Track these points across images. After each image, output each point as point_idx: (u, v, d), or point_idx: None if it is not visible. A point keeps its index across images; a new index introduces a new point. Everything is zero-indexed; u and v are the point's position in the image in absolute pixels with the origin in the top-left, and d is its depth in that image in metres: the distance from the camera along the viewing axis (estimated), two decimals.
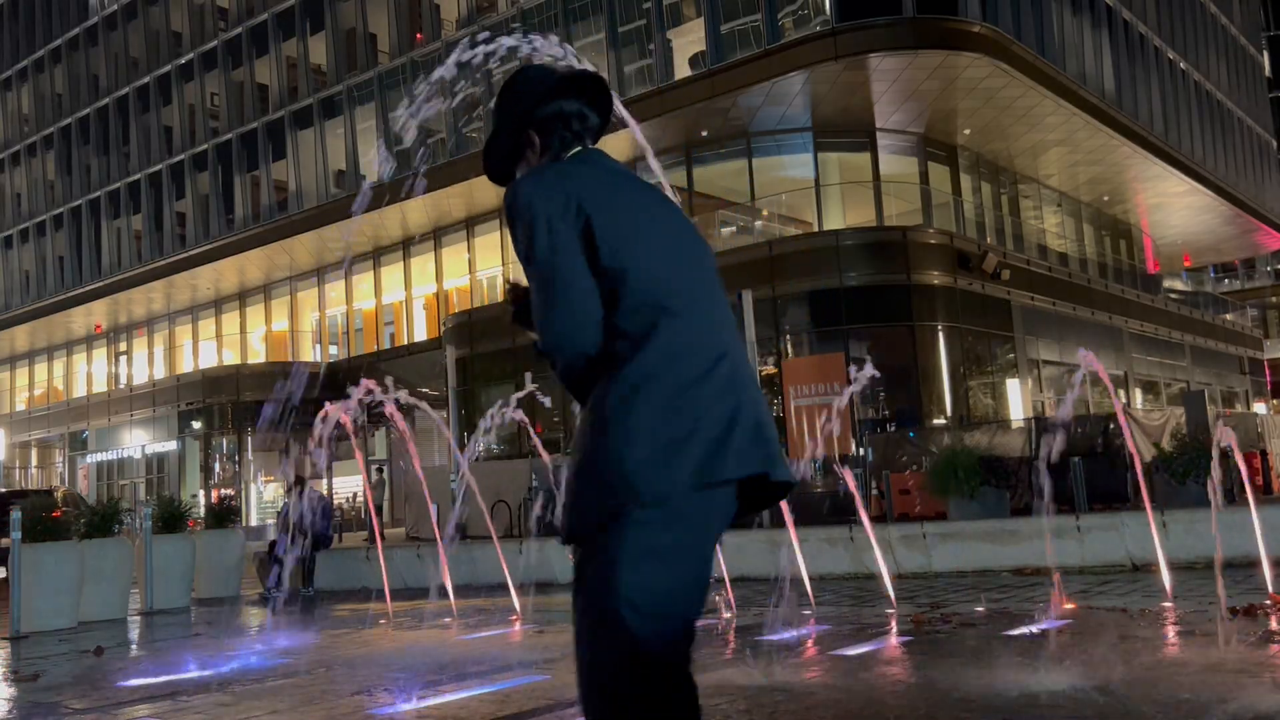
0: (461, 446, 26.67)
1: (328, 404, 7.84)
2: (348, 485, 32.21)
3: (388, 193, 23.77)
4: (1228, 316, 43.02)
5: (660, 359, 2.08)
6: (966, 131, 27.17)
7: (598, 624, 2.03)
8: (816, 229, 25.72)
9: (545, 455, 9.86)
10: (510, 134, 2.34)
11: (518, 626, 7.61)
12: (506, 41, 3.88)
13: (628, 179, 2.27)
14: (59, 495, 18.79)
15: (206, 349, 41.46)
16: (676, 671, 2.05)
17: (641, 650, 2.01)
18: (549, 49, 3.99)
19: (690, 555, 2.08)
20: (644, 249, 2.15)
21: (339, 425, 7.96)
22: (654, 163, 6.89)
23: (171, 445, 38.58)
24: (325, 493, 23.80)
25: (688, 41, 26.63)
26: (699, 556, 2.11)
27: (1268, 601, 6.18)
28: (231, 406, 35.93)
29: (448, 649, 6.74)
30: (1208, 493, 6.42)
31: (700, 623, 2.16)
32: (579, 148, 2.31)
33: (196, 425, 37.33)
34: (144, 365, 43.45)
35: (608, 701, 2.03)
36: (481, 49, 3.78)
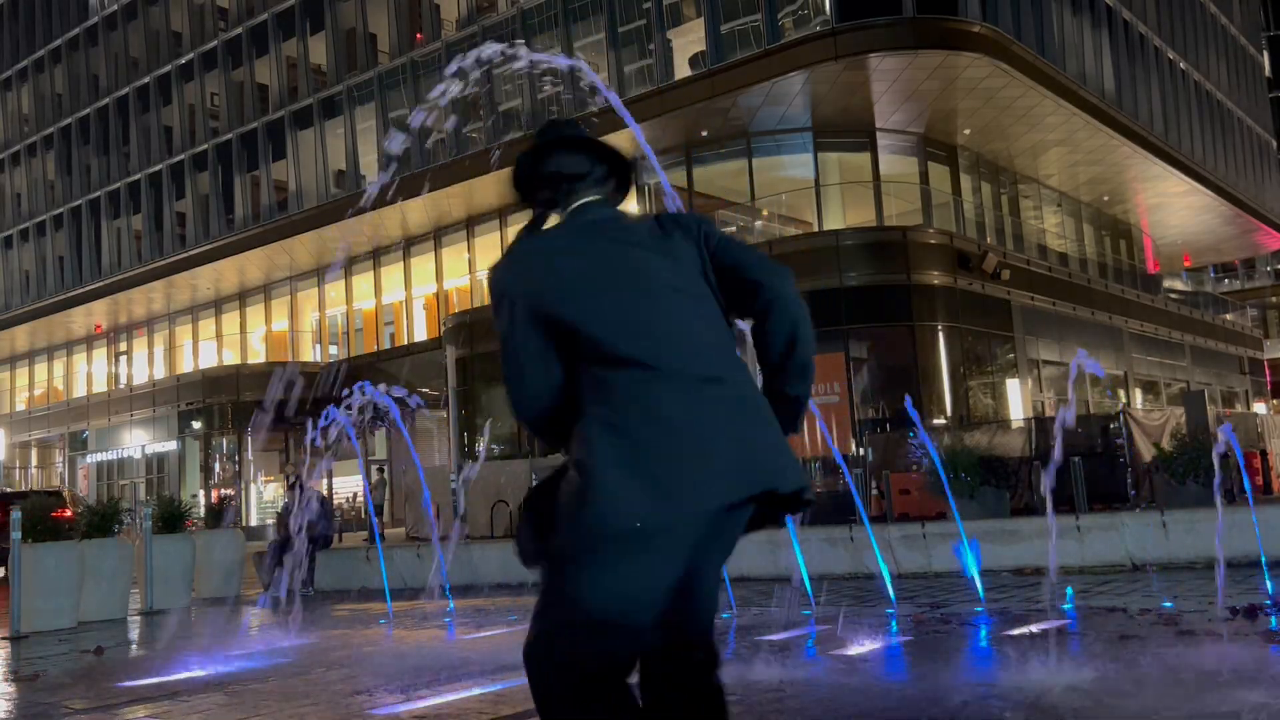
0: (462, 446, 26.70)
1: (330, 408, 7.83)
2: (348, 485, 32.22)
3: (390, 190, 23.71)
4: (1228, 316, 43.01)
5: (632, 396, 2.14)
6: (966, 131, 27.17)
7: (556, 628, 2.12)
8: (816, 229, 25.73)
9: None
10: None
11: (517, 627, 7.61)
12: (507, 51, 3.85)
13: (599, 234, 2.32)
14: (66, 496, 18.76)
15: (206, 349, 41.46)
16: (612, 685, 2.11)
17: (584, 659, 2.09)
18: (544, 57, 3.96)
19: (663, 576, 2.14)
20: (607, 302, 2.20)
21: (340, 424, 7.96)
22: (655, 162, 6.89)
23: (171, 445, 38.58)
24: (325, 492, 23.81)
25: (688, 41, 26.63)
26: (673, 577, 2.16)
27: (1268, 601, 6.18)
28: (231, 406, 35.93)
29: (447, 649, 6.74)
30: (1209, 492, 6.42)
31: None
32: (575, 204, 2.40)
33: (196, 425, 37.33)
34: (144, 365, 43.45)
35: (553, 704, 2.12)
36: (495, 49, 3.76)
